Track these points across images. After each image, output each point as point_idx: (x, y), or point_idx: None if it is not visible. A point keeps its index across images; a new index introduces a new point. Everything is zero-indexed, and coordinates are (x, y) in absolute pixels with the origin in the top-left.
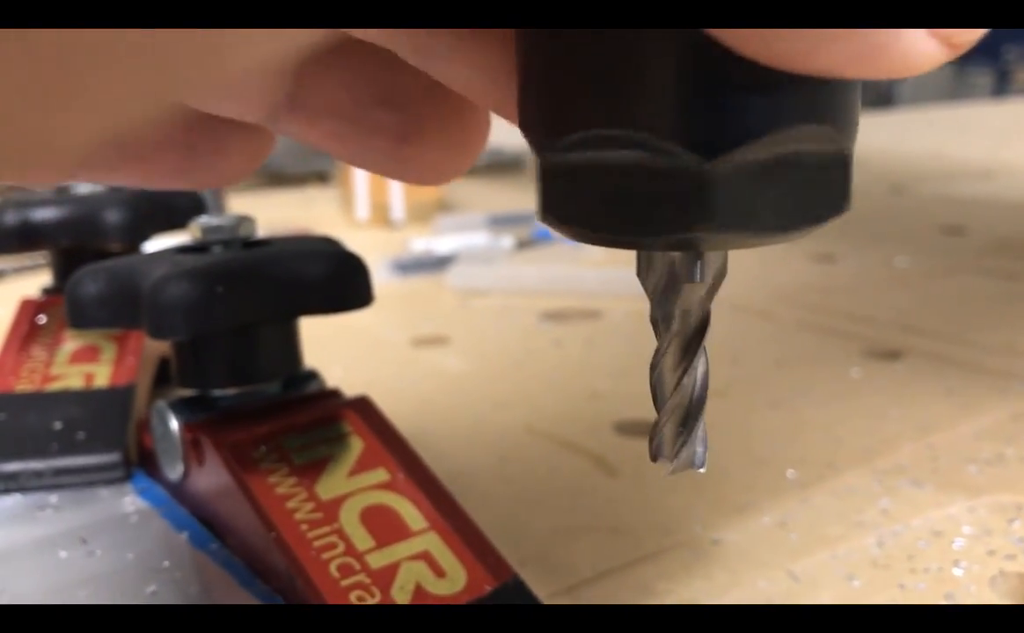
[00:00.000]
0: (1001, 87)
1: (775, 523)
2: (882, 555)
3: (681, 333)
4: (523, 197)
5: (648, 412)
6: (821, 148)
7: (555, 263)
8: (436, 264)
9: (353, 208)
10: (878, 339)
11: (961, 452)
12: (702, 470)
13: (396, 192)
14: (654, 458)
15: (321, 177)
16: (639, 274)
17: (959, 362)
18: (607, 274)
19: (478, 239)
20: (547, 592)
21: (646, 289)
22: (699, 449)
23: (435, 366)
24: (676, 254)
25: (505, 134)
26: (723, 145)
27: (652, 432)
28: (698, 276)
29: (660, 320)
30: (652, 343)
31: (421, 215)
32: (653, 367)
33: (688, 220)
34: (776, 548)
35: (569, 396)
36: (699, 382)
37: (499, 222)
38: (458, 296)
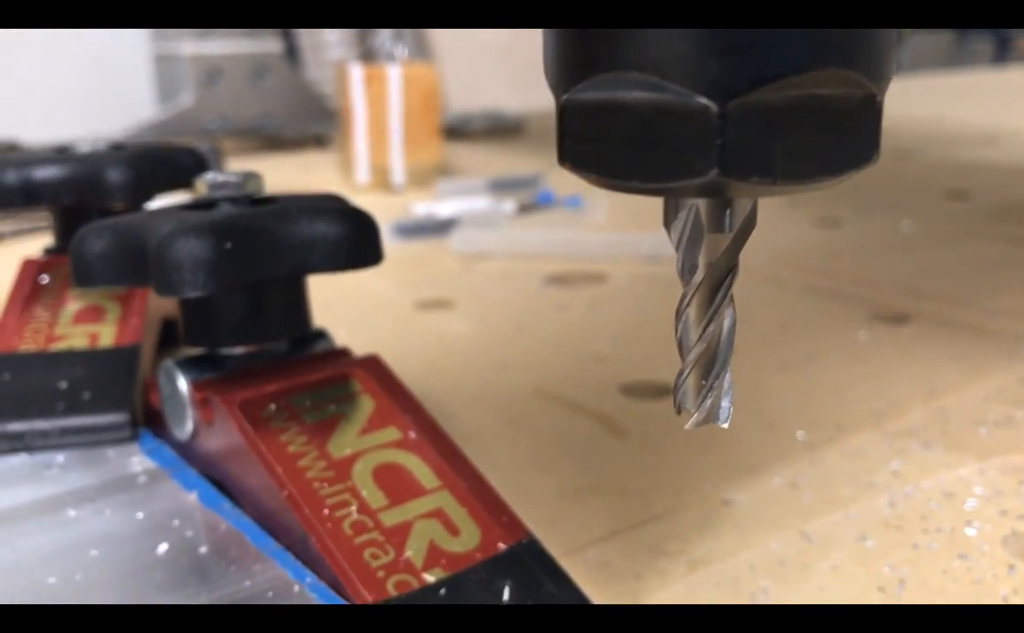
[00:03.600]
0: (1001, 54)
1: (786, 484)
2: (894, 515)
3: (707, 283)
4: (523, 161)
5: (655, 375)
6: (848, 93)
7: (558, 227)
8: (438, 228)
9: (353, 172)
10: (885, 303)
11: (970, 414)
12: (725, 425)
13: (396, 156)
14: (678, 410)
15: (319, 141)
16: (665, 223)
17: (966, 326)
18: (611, 238)
19: (479, 203)
20: (558, 552)
21: (672, 238)
22: (724, 402)
23: (440, 329)
24: (702, 202)
25: (504, 97)
26: (740, 87)
27: (676, 382)
28: (725, 226)
29: (686, 270)
30: (657, 307)
31: (421, 179)
32: (678, 316)
33: (709, 164)
34: (788, 509)
35: (575, 359)
36: (725, 333)
37: (500, 186)
38: (461, 260)
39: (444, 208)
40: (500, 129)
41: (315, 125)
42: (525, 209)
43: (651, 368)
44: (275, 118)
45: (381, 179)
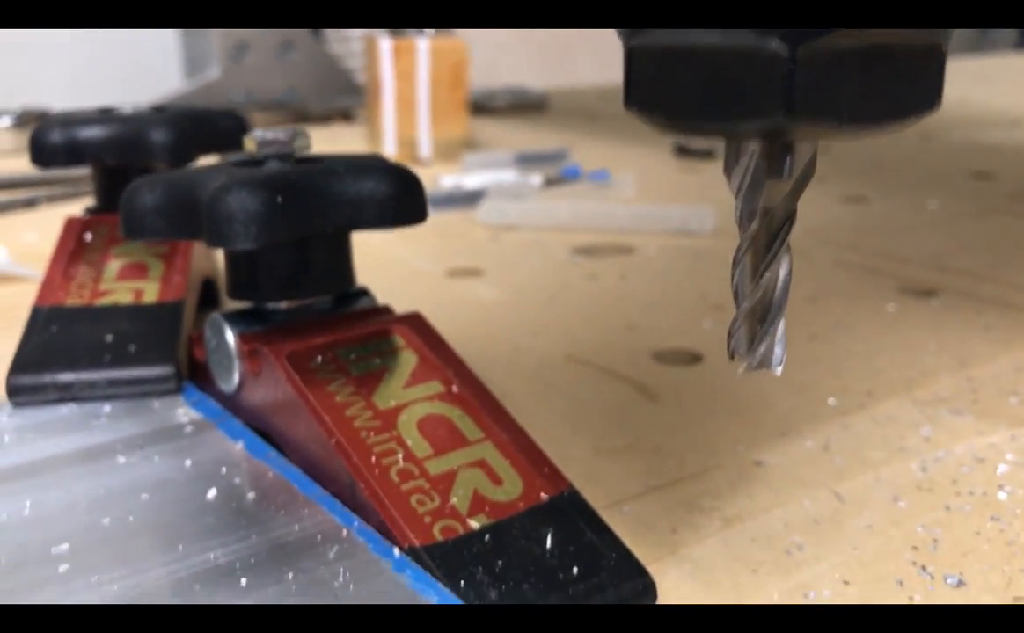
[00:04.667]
0: None
1: (818, 447)
2: (926, 479)
3: (764, 231)
4: (547, 137)
5: (686, 343)
6: (913, 42)
7: (585, 200)
8: (466, 199)
9: (380, 144)
10: (913, 277)
11: (1001, 384)
12: (778, 370)
13: (424, 128)
14: (732, 356)
15: (346, 115)
16: (725, 169)
17: (994, 300)
18: (639, 210)
19: (507, 176)
20: (596, 507)
21: (731, 185)
22: (777, 349)
23: (471, 296)
24: (763, 148)
25: (529, 74)
26: (809, 32)
27: (730, 329)
28: (785, 172)
29: (744, 217)
30: (686, 277)
31: (448, 152)
32: (735, 262)
33: (775, 106)
34: (819, 470)
35: (606, 327)
36: (781, 281)
37: (527, 160)
38: (489, 231)
39: (471, 180)
40: (524, 105)
41: (341, 99)
42: (552, 182)
43: (681, 336)
44: (301, 92)
45: (408, 151)
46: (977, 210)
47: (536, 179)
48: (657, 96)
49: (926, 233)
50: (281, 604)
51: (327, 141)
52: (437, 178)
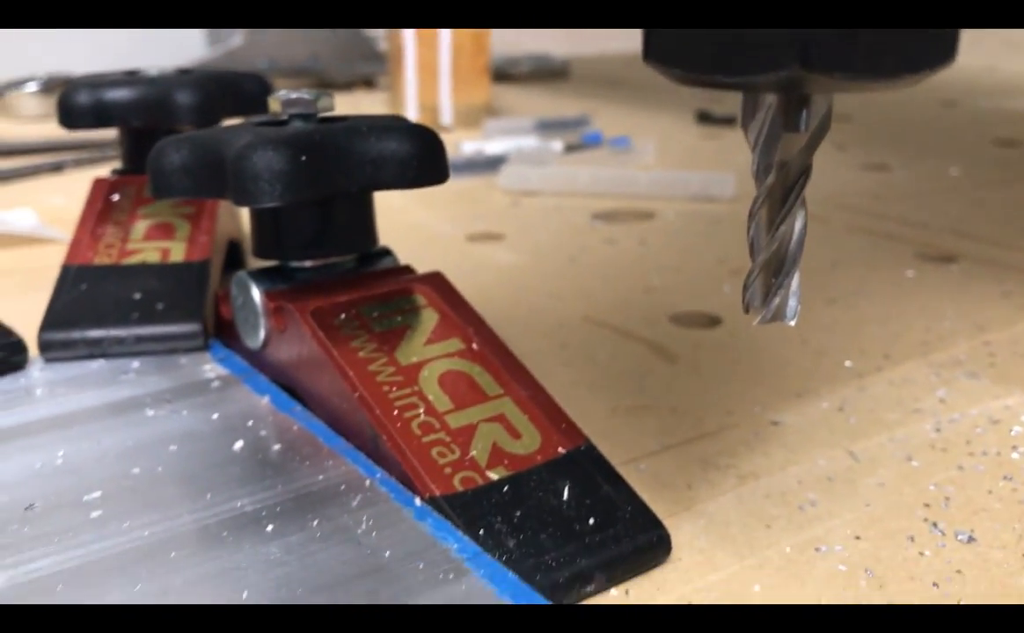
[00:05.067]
0: None
1: (833, 408)
2: (940, 439)
3: (780, 184)
4: (569, 104)
5: (704, 306)
6: None
7: (606, 166)
8: (487, 165)
9: (403, 110)
10: (932, 243)
11: (1018, 348)
12: (792, 322)
13: (445, 95)
14: (746, 308)
15: (368, 82)
16: (742, 123)
17: (1014, 266)
18: (659, 175)
19: (527, 142)
20: (613, 464)
21: (748, 139)
22: (791, 302)
23: (491, 260)
24: (780, 101)
25: (552, 42)
26: None
27: (746, 282)
28: (801, 125)
29: (761, 170)
30: (705, 242)
31: (470, 119)
32: (751, 216)
33: (789, 59)
34: (834, 430)
35: (624, 290)
36: (796, 235)
37: (548, 127)
38: (510, 196)
39: (493, 146)
40: (546, 72)
41: (363, 66)
42: (572, 149)
43: (700, 299)
44: (323, 59)
45: (430, 117)
46: (1000, 178)
47: (557, 145)
48: (675, 50)
49: (947, 200)
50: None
51: (349, 106)
52: (458, 144)
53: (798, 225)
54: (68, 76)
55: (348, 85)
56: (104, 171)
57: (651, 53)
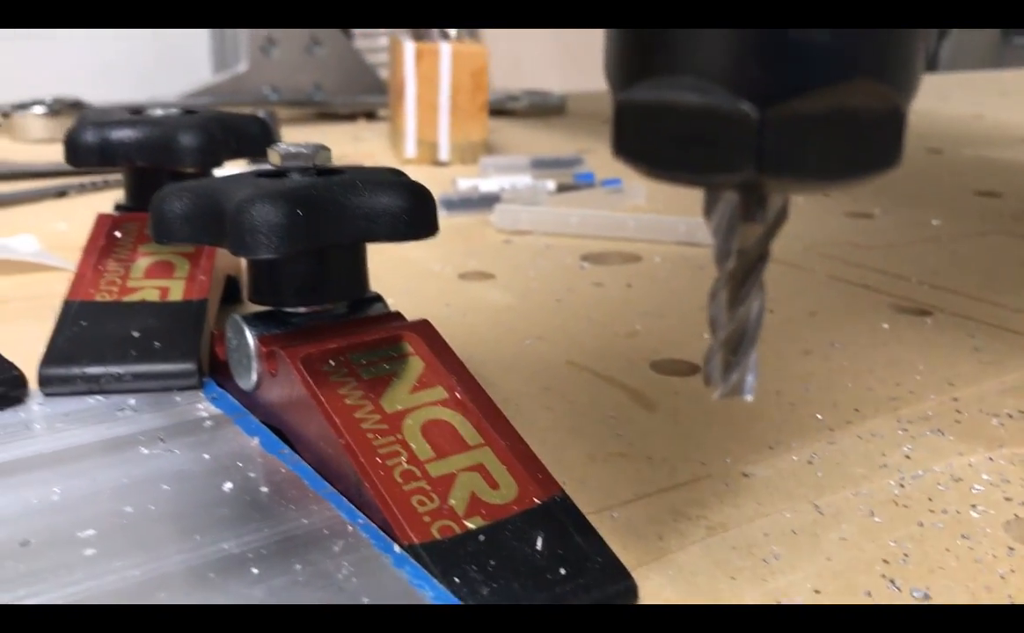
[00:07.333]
0: None
1: (803, 461)
2: (903, 495)
3: (739, 269)
4: (565, 142)
5: (684, 353)
6: (876, 104)
7: (596, 207)
8: (481, 202)
9: (402, 145)
10: (909, 296)
11: (985, 406)
12: (749, 397)
13: (443, 131)
14: (707, 382)
15: (369, 114)
16: (705, 212)
17: (987, 321)
18: (648, 219)
19: (522, 180)
20: (587, 510)
21: (710, 227)
22: (749, 378)
23: (481, 299)
24: (739, 196)
25: (550, 79)
26: (779, 95)
27: (706, 357)
28: (759, 218)
29: (721, 256)
30: (689, 288)
31: (467, 155)
32: (712, 297)
33: (747, 163)
34: (802, 482)
35: (608, 334)
36: (754, 316)
37: (542, 165)
38: (503, 234)
39: (487, 184)
40: (544, 108)
41: (366, 98)
42: (565, 188)
43: (681, 347)
44: (327, 89)
45: (428, 153)
46: (978, 230)
47: (550, 184)
48: (641, 147)
49: (926, 250)
50: (284, 603)
51: (350, 138)
52: (454, 180)
53: (756, 306)
54: (75, 100)
55: (351, 116)
56: (108, 199)
57: (620, 148)
